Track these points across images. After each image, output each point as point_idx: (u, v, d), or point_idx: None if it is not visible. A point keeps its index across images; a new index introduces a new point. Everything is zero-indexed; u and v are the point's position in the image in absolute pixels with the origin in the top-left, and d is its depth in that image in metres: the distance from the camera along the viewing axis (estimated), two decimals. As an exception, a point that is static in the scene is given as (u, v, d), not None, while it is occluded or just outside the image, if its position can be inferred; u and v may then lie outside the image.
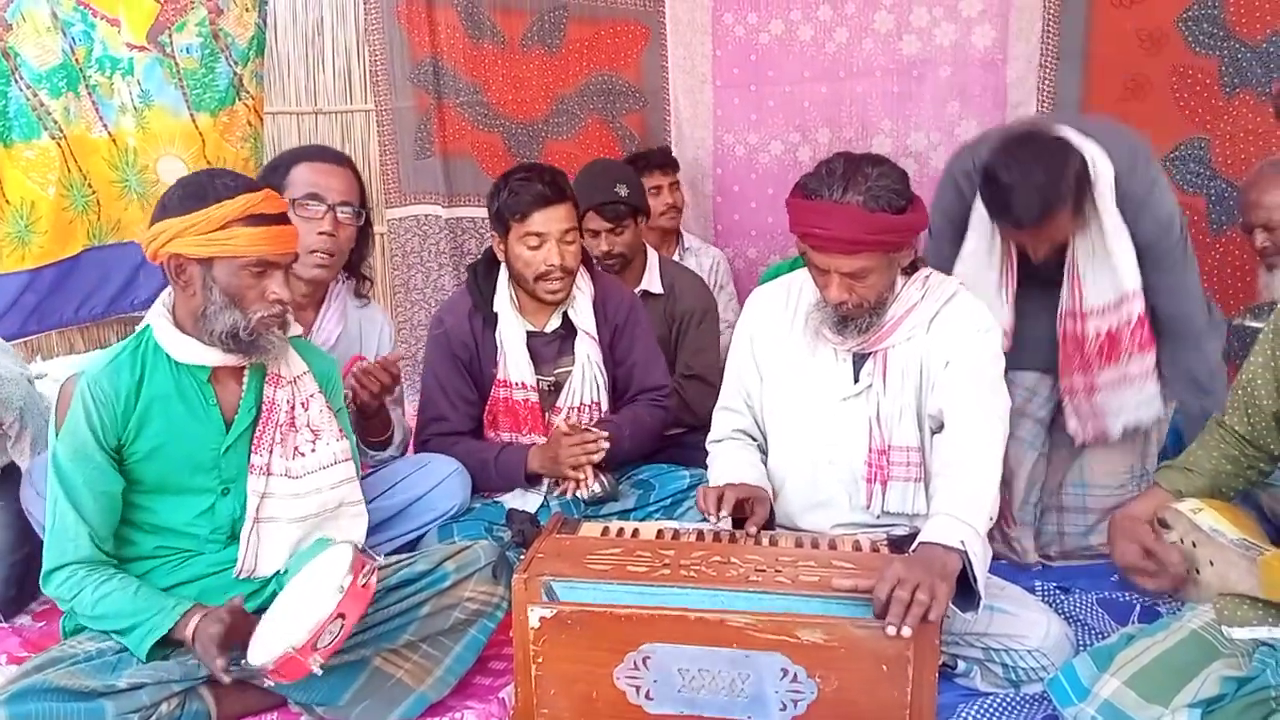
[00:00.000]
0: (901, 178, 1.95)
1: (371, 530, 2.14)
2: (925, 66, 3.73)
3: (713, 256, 3.88)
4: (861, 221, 1.89)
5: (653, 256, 3.19)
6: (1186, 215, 2.54)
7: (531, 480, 2.49)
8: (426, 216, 4.33)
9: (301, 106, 4.58)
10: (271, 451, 1.92)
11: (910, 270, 2.10)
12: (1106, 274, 2.37)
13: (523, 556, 1.83)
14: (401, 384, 2.54)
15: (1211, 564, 1.69)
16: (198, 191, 1.84)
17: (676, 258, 3.72)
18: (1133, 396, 2.46)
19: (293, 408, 1.96)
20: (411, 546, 2.35)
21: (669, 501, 2.47)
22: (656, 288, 3.11)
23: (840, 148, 3.81)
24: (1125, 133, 2.39)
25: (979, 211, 2.38)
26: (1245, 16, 3.36)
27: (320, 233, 2.33)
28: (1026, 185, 2.17)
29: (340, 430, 2.02)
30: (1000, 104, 3.67)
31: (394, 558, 2.06)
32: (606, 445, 2.38)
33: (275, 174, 2.37)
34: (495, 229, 2.48)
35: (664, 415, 2.65)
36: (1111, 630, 2.14)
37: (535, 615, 1.70)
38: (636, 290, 3.09)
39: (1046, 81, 3.59)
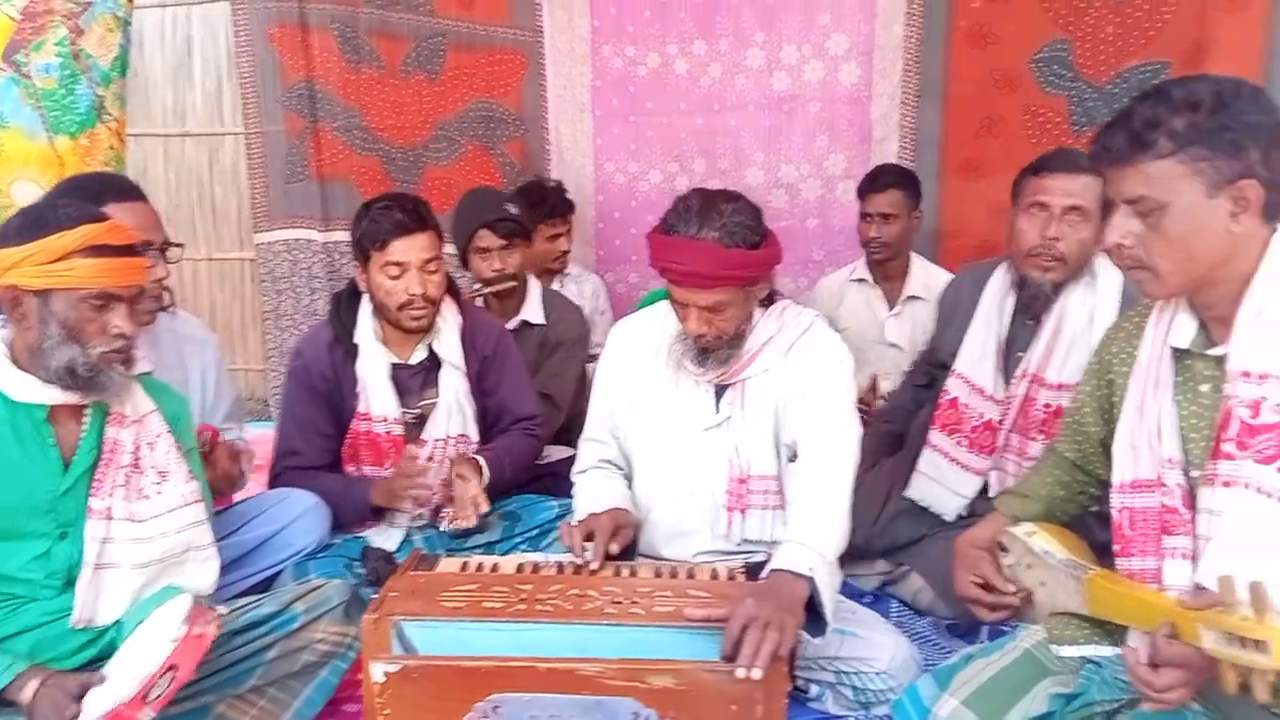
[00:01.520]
0: (755, 214, 2.00)
1: (224, 569, 2.06)
2: (795, 102, 3.85)
3: (593, 283, 3.91)
4: (718, 257, 1.93)
5: (534, 286, 3.20)
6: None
7: (378, 514, 2.44)
8: (298, 240, 4.23)
9: (168, 129, 4.45)
10: (113, 494, 1.84)
11: (768, 303, 2.16)
12: (1079, 356, 2.36)
13: (375, 595, 1.81)
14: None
15: (1043, 585, 1.76)
16: (38, 220, 1.75)
17: (557, 284, 3.74)
18: None
19: (137, 448, 1.88)
20: (267, 584, 2.28)
21: (536, 532, 2.47)
22: (537, 317, 3.12)
23: (716, 178, 3.94)
24: None
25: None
26: (1091, 59, 3.57)
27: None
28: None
29: (190, 472, 1.95)
30: (866, 139, 3.81)
31: (242, 600, 2.00)
32: (485, 480, 2.37)
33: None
34: (356, 258, 2.45)
35: (536, 444, 2.66)
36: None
37: (379, 670, 1.66)
38: (518, 319, 3.11)
39: (908, 118, 3.75)
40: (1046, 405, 2.40)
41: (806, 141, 3.88)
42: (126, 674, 1.63)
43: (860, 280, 3.45)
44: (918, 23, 3.66)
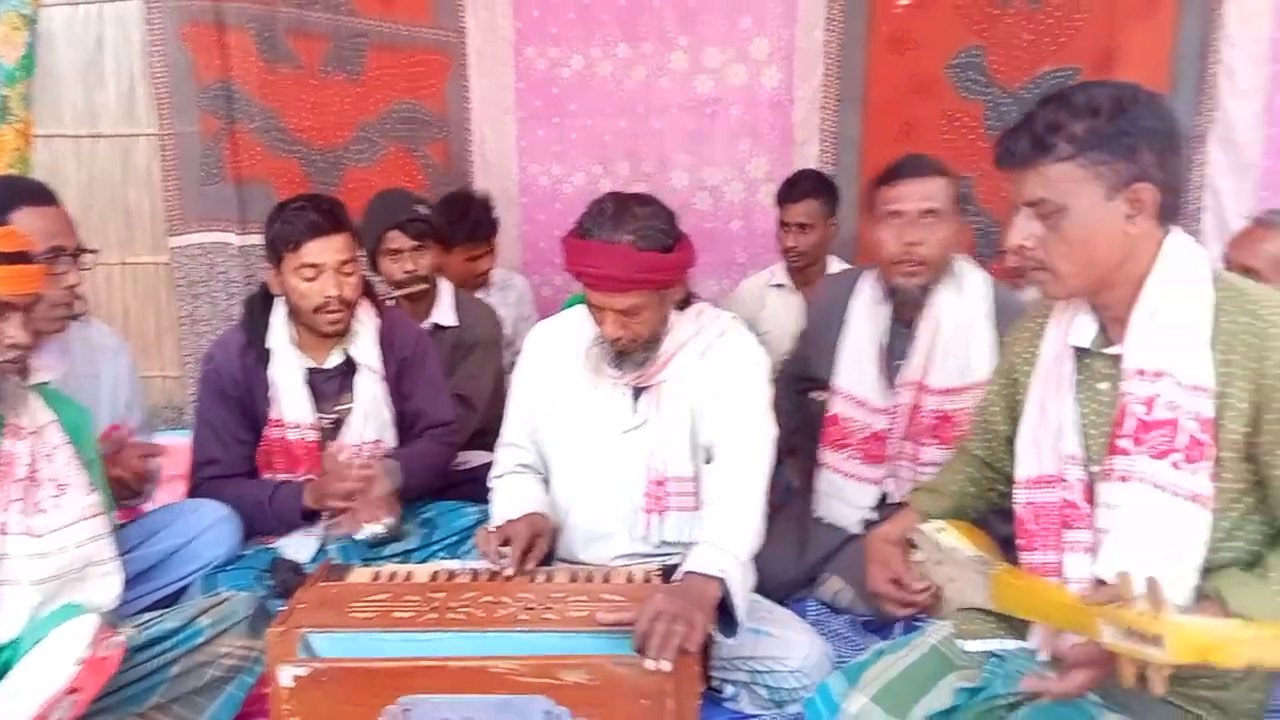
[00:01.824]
0: (669, 218, 2.01)
1: (130, 582, 2.00)
2: (718, 105, 3.88)
3: (517, 289, 3.87)
4: (631, 260, 1.93)
5: (446, 288, 3.15)
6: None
7: (309, 517, 2.39)
8: (215, 244, 4.15)
9: (79, 129, 4.31)
10: (8, 509, 1.77)
11: (684, 305, 2.16)
12: (956, 359, 2.45)
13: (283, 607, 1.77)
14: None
15: (952, 581, 1.79)
16: None
17: (481, 294, 3.70)
18: None
19: (34, 461, 1.81)
20: (175, 598, 2.22)
21: (454, 539, 2.44)
22: (449, 320, 3.08)
23: (640, 180, 3.94)
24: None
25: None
26: (1005, 66, 3.66)
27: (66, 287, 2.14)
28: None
29: (90, 484, 1.89)
30: (788, 142, 3.85)
31: (146, 615, 1.94)
32: (394, 484, 2.33)
33: None
34: (269, 260, 2.40)
35: (450, 451, 2.62)
36: (876, 647, 2.24)
37: (288, 674, 1.63)
38: (429, 322, 3.06)
39: (829, 122, 3.80)
40: (934, 411, 2.46)
41: (729, 144, 3.91)
42: (25, 696, 1.57)
43: (779, 285, 3.48)
44: (838, 28, 3.71)
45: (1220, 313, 1.51)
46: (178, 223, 4.16)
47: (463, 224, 3.39)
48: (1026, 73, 3.64)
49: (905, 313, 2.48)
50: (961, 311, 2.45)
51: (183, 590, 2.26)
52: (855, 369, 2.55)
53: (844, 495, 2.58)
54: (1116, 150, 1.47)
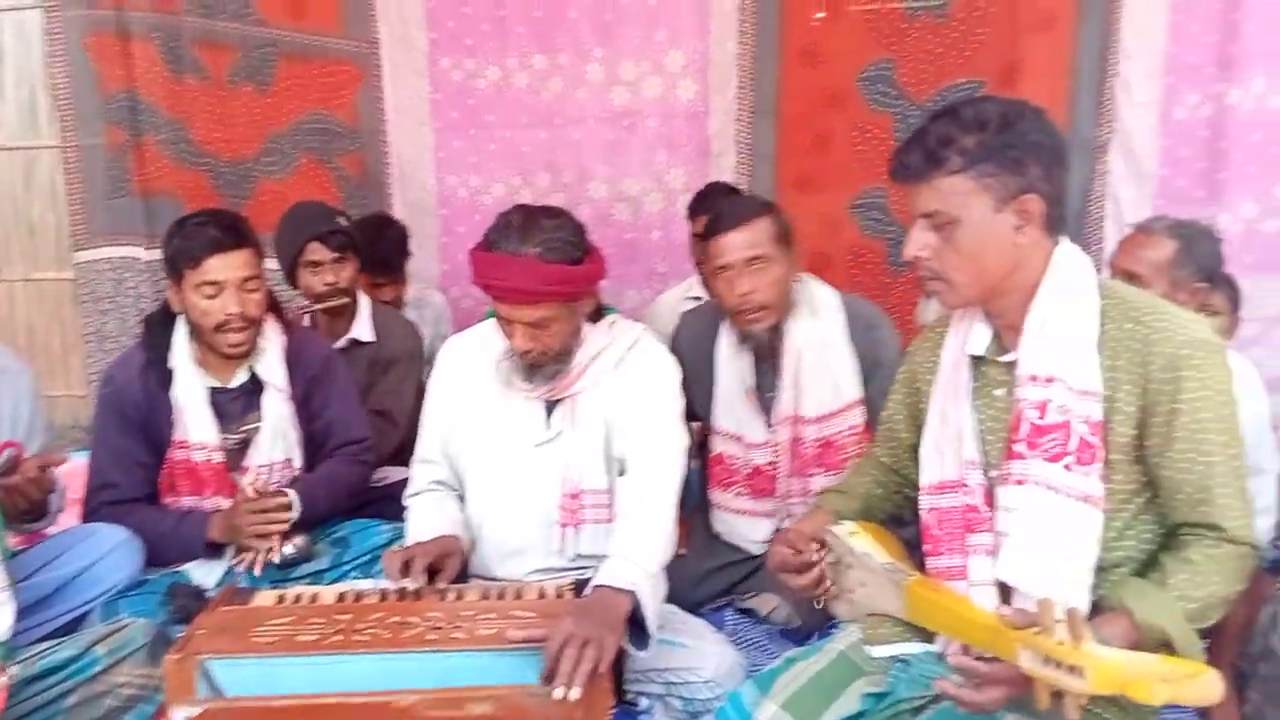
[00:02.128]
0: (578, 230, 2.01)
1: (27, 610, 1.94)
2: (635, 117, 3.89)
3: (434, 307, 3.83)
4: (539, 273, 1.92)
5: (364, 303, 3.11)
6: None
7: (213, 550, 2.33)
8: (123, 259, 4.04)
9: (-23, 142, 4.17)
10: (-112, 536, 1.71)
11: (597, 317, 2.16)
12: (825, 383, 2.47)
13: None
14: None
15: (863, 585, 1.81)
16: None
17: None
18: None
19: (-80, 487, 1.75)
20: (76, 625, 2.15)
21: (367, 558, 2.40)
22: (367, 335, 3.04)
23: (559, 191, 3.94)
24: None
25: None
26: (913, 79, 3.72)
27: None
28: None
29: (-20, 512, 1.82)
30: (704, 154, 3.88)
31: (39, 646, 1.87)
32: (294, 515, 2.29)
33: None
34: (169, 277, 2.34)
35: (364, 470, 2.58)
36: (792, 656, 2.25)
37: (180, 715, 1.57)
38: (347, 337, 3.02)
39: (744, 134, 3.83)
40: (815, 441, 2.48)
41: (647, 156, 3.92)
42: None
43: (695, 299, 3.49)
44: (750, 41, 3.74)
45: (1106, 319, 1.57)
46: (83, 237, 4.05)
47: (371, 252, 3.28)
48: (933, 85, 3.71)
49: (765, 351, 2.49)
50: (817, 335, 2.47)
51: (84, 617, 2.19)
52: (729, 409, 2.55)
53: (739, 533, 2.60)
54: (1004, 163, 1.52)
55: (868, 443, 2.40)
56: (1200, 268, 2.39)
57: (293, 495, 2.32)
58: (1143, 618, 1.44)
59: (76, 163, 3.98)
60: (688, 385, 2.46)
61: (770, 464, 2.53)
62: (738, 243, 2.38)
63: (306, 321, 3.05)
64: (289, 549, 2.29)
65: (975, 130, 1.53)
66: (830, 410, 2.47)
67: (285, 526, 2.28)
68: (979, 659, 1.46)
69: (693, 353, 2.56)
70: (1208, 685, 1.29)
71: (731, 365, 2.54)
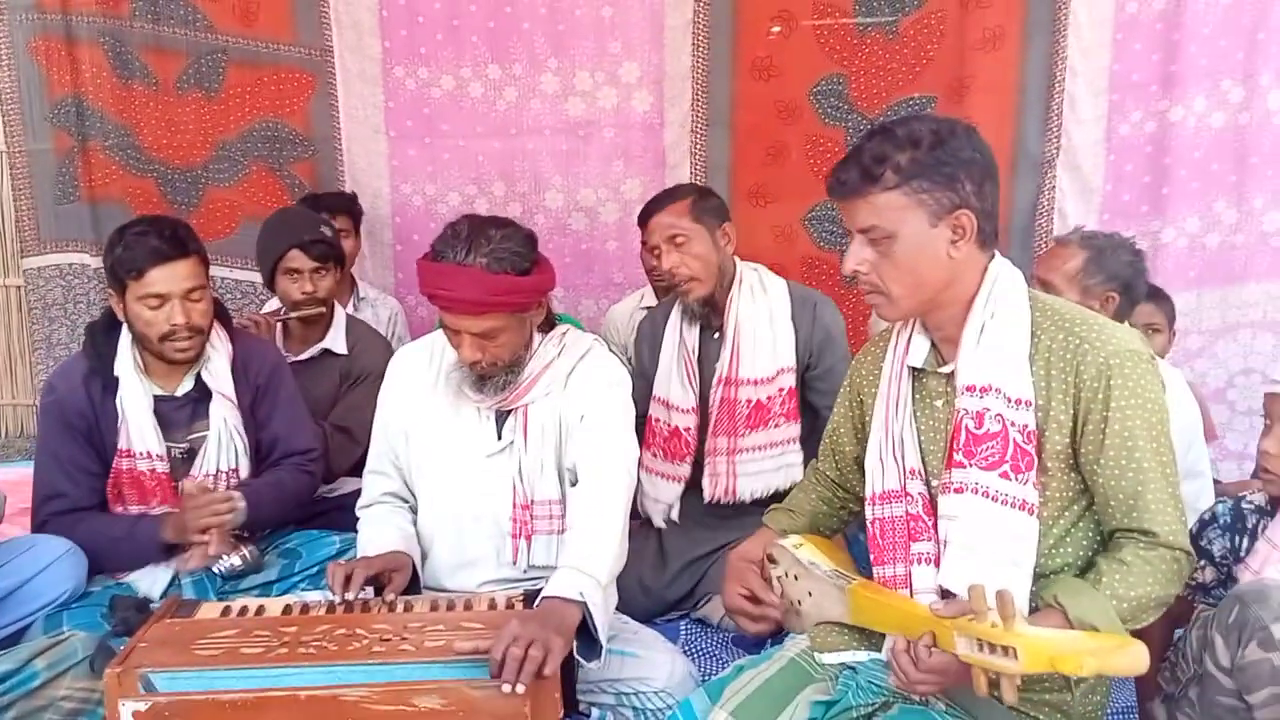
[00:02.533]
0: (526, 240, 2.01)
1: (-38, 626, 1.91)
2: (590, 127, 3.90)
3: (391, 308, 3.82)
4: (484, 283, 1.92)
5: (340, 314, 3.09)
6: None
7: (169, 551, 2.28)
8: (71, 265, 3.99)
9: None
10: None
11: (547, 328, 2.17)
12: (765, 350, 2.62)
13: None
14: None
15: (810, 595, 1.83)
16: None
17: (351, 308, 3.64)
18: (771, 462, 2.64)
19: None
20: (16, 638, 2.11)
21: (315, 569, 2.37)
22: (340, 347, 3.01)
23: (515, 201, 3.93)
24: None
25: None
26: (865, 93, 3.77)
27: None
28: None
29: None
30: (660, 164, 3.89)
31: (-24, 659, 1.84)
32: (239, 506, 2.25)
33: None
34: (111, 286, 2.30)
35: (310, 480, 2.55)
36: (743, 664, 2.27)
37: (128, 710, 1.57)
38: (319, 347, 3.00)
39: (699, 146, 3.86)
40: (748, 400, 2.65)
41: (603, 166, 3.93)
42: None
43: (650, 308, 3.50)
44: (703, 54, 3.77)
45: (1038, 330, 1.62)
46: (31, 243, 3.99)
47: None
48: (884, 100, 3.76)
49: (712, 322, 2.69)
50: (763, 310, 2.66)
51: (24, 630, 2.15)
52: (665, 377, 2.75)
53: (655, 491, 2.75)
54: (938, 180, 1.56)
55: (793, 402, 2.64)
56: (1111, 277, 2.47)
57: (238, 496, 2.29)
58: (1076, 615, 1.47)
59: (23, 168, 3.92)
60: (640, 378, 2.71)
61: (688, 429, 2.69)
62: (658, 225, 2.64)
63: (279, 329, 3.02)
64: (236, 560, 2.27)
65: (909, 148, 1.56)
66: (766, 375, 2.64)
67: (227, 519, 2.24)
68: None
69: (651, 340, 2.83)
70: (1134, 656, 1.34)
71: (673, 337, 2.75)
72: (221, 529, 2.24)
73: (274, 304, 3.25)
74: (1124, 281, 2.49)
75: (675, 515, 2.73)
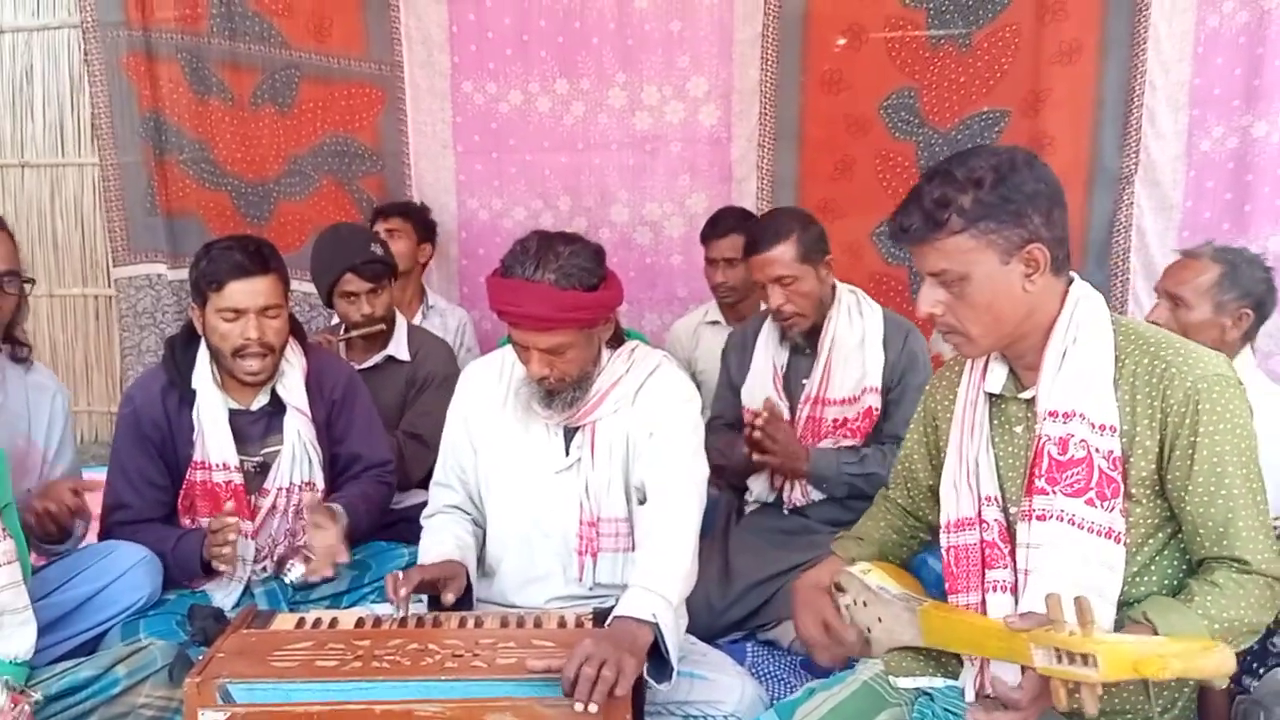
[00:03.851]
0: (594, 256, 2.00)
1: (45, 630, 1.94)
2: (657, 142, 3.90)
3: (459, 318, 3.85)
4: (553, 299, 1.92)
5: (401, 323, 3.14)
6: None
7: (209, 569, 2.29)
8: (159, 276, 4.12)
9: (6, 159, 4.23)
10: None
11: (616, 344, 2.16)
12: (854, 371, 2.67)
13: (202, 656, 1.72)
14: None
15: (880, 620, 1.80)
16: None
17: (420, 317, 3.68)
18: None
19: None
20: (94, 645, 2.15)
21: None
22: (404, 354, 3.06)
23: (581, 215, 3.94)
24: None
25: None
26: (936, 107, 3.72)
27: None
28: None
29: (4, 529, 1.83)
30: (726, 179, 3.88)
31: (61, 664, 1.88)
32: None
33: None
34: (193, 299, 2.35)
35: (389, 491, 2.58)
36: (811, 688, 2.24)
37: (208, 718, 1.59)
38: (383, 355, 3.05)
39: (766, 160, 3.83)
40: (835, 420, 2.70)
41: (669, 180, 3.93)
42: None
43: (714, 323, 3.48)
44: (772, 68, 3.75)
45: (1122, 355, 1.58)
46: (121, 253, 4.13)
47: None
48: (957, 114, 3.71)
49: (803, 345, 2.74)
50: (855, 335, 2.70)
51: (102, 636, 2.18)
52: (755, 388, 2.79)
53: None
54: (1004, 218, 1.52)
55: (869, 423, 2.68)
56: (1245, 293, 2.39)
57: (339, 509, 2.31)
58: (1165, 631, 1.43)
59: (114, 180, 4.05)
60: (735, 384, 2.84)
61: None
62: (765, 264, 2.64)
63: (342, 346, 3.06)
64: (301, 569, 2.28)
65: (971, 188, 1.52)
66: (852, 395, 2.69)
67: (230, 550, 2.22)
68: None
69: (740, 351, 2.89)
70: (1221, 657, 1.29)
71: (765, 354, 2.80)
72: (226, 560, 2.23)
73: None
74: (1257, 298, 2.40)
75: (768, 496, 2.79)
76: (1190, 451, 1.50)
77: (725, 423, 2.85)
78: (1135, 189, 3.61)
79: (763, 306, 2.84)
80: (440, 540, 2.11)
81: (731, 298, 3.40)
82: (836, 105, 3.76)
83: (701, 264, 3.53)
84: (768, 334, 2.81)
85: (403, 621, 1.88)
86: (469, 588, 2.04)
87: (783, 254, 2.61)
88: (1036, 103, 3.61)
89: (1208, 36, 3.47)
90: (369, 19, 3.89)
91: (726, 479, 2.84)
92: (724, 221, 3.39)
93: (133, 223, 4.09)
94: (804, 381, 2.73)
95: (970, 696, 1.64)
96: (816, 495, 2.70)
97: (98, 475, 2.44)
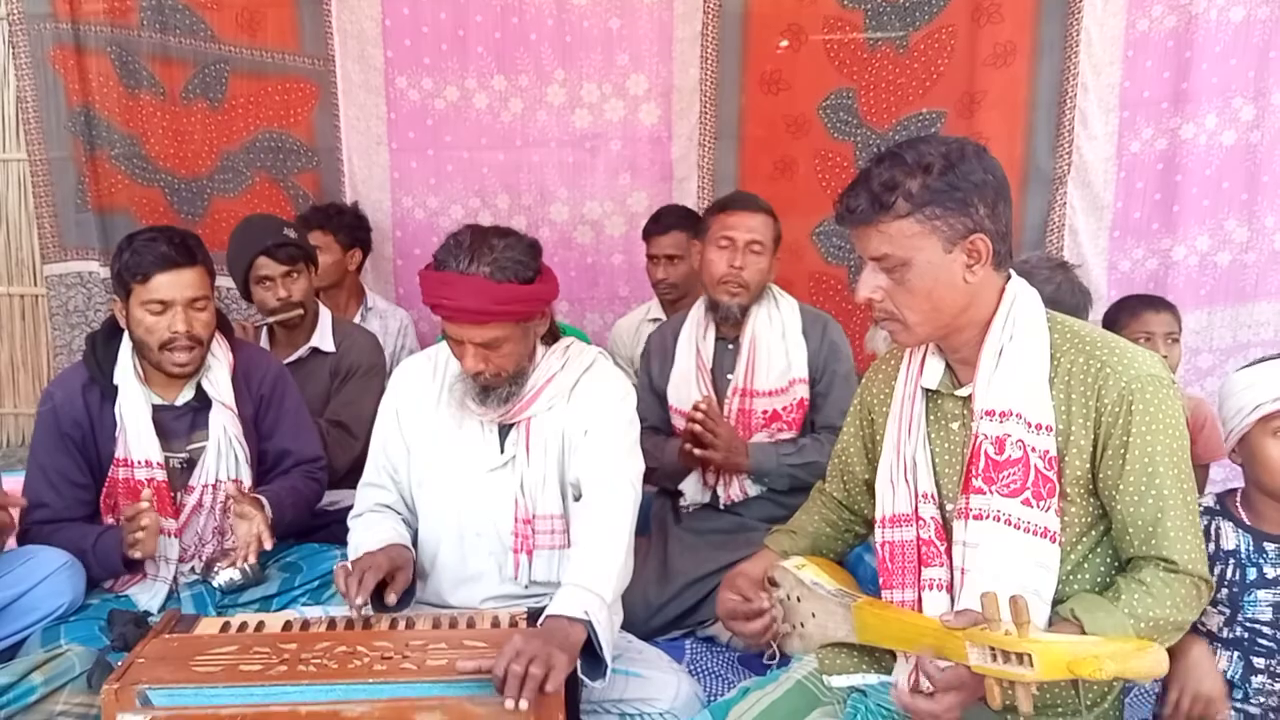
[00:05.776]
0: (529, 250, 1.98)
1: (-42, 638, 1.88)
2: (597, 140, 3.87)
3: (400, 319, 3.80)
4: (488, 292, 1.90)
5: (325, 314, 3.10)
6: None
7: (131, 565, 2.24)
8: (90, 273, 3.99)
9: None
10: None
11: (551, 340, 2.14)
12: (778, 363, 2.70)
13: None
14: None
15: (814, 616, 1.80)
16: None
17: (359, 318, 3.62)
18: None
19: None
20: (13, 651, 2.08)
21: (316, 584, 2.35)
22: (328, 345, 3.02)
23: (520, 213, 3.91)
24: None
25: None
26: (874, 108, 3.75)
27: None
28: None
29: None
30: (667, 177, 3.87)
31: (-27, 673, 1.81)
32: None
33: None
34: (116, 292, 2.28)
35: (319, 488, 2.53)
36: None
37: (127, 722, 1.54)
38: (308, 348, 3.00)
39: (706, 159, 3.83)
40: (764, 411, 2.72)
41: (609, 179, 3.90)
42: None
43: (656, 320, 3.48)
44: (712, 67, 3.75)
45: (1057, 353, 1.58)
46: (53, 250, 4.00)
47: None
48: (894, 115, 3.74)
49: (728, 331, 2.77)
50: (777, 325, 2.75)
51: (21, 643, 2.12)
52: (681, 384, 2.80)
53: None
54: (950, 205, 1.52)
55: (802, 414, 2.71)
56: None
57: (263, 499, 2.26)
58: (1093, 629, 1.44)
59: (44, 177, 3.92)
60: (657, 388, 2.83)
61: None
62: (746, 224, 2.70)
63: (264, 336, 3.00)
64: (235, 573, 2.24)
65: (920, 173, 1.52)
66: (779, 386, 2.71)
67: (146, 536, 2.16)
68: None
69: (661, 353, 2.89)
70: (1154, 658, 1.30)
71: (689, 349, 2.81)
72: (146, 551, 2.18)
73: None
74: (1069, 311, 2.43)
75: (703, 497, 2.78)
76: (1123, 451, 1.51)
77: (650, 425, 2.80)
78: (1068, 189, 3.67)
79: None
80: (376, 532, 2.06)
81: (672, 294, 3.40)
82: (776, 105, 3.77)
83: (643, 262, 3.52)
84: (690, 330, 2.83)
85: (331, 623, 1.84)
86: (413, 584, 2.00)
87: (763, 224, 2.71)
88: (972, 104, 3.65)
89: (1137, 40, 3.54)
90: (302, 12, 3.80)
91: (658, 482, 2.82)
92: (666, 218, 3.39)
93: (63, 219, 3.95)
94: (729, 376, 2.74)
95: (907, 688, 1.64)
96: (753, 491, 2.70)
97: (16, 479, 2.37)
